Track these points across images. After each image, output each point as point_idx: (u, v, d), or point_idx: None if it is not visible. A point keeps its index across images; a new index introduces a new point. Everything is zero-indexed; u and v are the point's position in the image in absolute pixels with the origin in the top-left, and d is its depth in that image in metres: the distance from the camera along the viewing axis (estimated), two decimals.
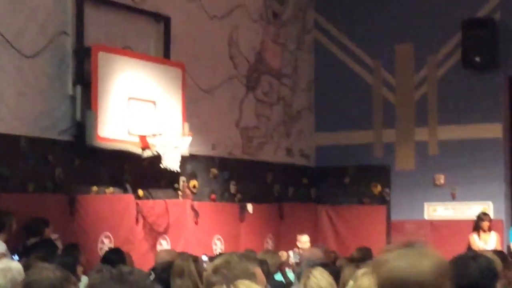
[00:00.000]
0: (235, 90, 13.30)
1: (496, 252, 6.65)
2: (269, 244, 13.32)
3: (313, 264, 5.77)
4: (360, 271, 3.41)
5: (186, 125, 11.43)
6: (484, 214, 12.15)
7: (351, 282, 3.38)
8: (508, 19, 13.60)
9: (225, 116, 13.06)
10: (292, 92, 14.68)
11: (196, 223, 12.04)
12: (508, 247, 11.83)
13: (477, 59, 13.43)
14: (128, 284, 2.28)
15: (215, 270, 3.53)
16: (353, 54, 14.80)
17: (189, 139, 11.27)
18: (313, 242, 12.29)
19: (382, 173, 14.41)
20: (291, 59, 14.71)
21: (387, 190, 14.39)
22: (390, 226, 14.18)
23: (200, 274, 5.47)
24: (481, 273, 3.68)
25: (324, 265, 5.54)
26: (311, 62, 15.11)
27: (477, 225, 11.88)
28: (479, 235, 11.81)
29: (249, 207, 13.04)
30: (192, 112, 11.90)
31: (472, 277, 3.66)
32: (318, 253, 7.49)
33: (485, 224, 11.84)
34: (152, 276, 5.80)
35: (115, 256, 7.96)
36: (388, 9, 14.48)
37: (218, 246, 12.28)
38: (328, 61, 14.94)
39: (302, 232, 12.04)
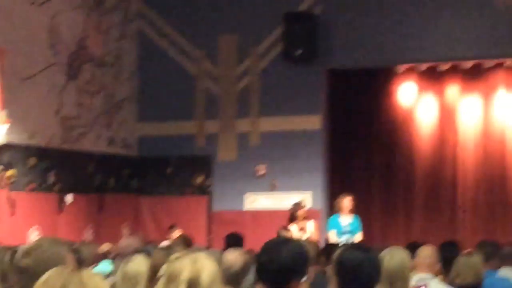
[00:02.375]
0: (55, 78, 12.95)
1: (310, 240, 6.80)
2: (89, 235, 13.09)
3: (130, 252, 5.72)
4: (174, 256, 3.36)
5: (3, 112, 11.05)
6: (298, 203, 12.32)
7: (164, 266, 3.33)
8: (328, 13, 13.93)
9: (44, 104, 12.70)
10: (115, 81, 14.46)
11: (12, 214, 11.66)
12: (326, 236, 12.12)
13: (298, 52, 13.68)
14: None
15: (26, 253, 3.48)
16: (177, 44, 14.76)
17: (6, 127, 10.90)
18: (134, 233, 12.18)
19: (204, 164, 14.45)
20: (114, 48, 14.48)
21: (209, 180, 14.45)
22: (211, 217, 14.25)
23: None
24: (292, 258, 3.73)
25: (141, 252, 5.50)
26: (134, 51, 14.94)
27: (292, 215, 12.09)
28: (296, 224, 12.02)
29: (68, 197, 12.77)
30: (11, 99, 11.50)
31: (283, 261, 3.70)
32: (135, 242, 7.42)
33: (301, 213, 12.07)
34: None
35: None
36: (213, 0, 14.53)
37: (35, 237, 11.94)
38: (152, 50, 14.83)
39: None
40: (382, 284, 4.90)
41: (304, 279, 3.83)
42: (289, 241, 4.05)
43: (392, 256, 5.26)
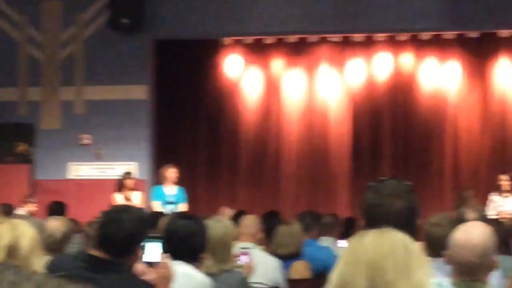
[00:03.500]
0: None
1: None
2: None
3: None
4: None
5: None
6: (128, 173, 12.33)
7: None
8: None
9: None
10: None
11: None
12: (150, 206, 12.11)
13: (124, 21, 13.52)
14: None
15: None
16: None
17: None
18: None
19: (26, 132, 14.08)
20: None
21: (31, 149, 14.10)
22: (33, 185, 13.93)
23: None
24: (136, 224, 3.78)
25: None
26: None
27: (120, 184, 12.03)
28: (123, 194, 11.96)
29: None
30: None
31: (128, 228, 3.75)
32: None
33: (129, 183, 12.03)
34: None
35: None
36: None
37: None
38: None
39: None
40: (206, 252, 4.97)
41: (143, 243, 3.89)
42: (128, 208, 4.07)
43: (216, 225, 5.32)
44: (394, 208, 2.64)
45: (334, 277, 2.00)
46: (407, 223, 2.66)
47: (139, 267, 3.92)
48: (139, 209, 4.12)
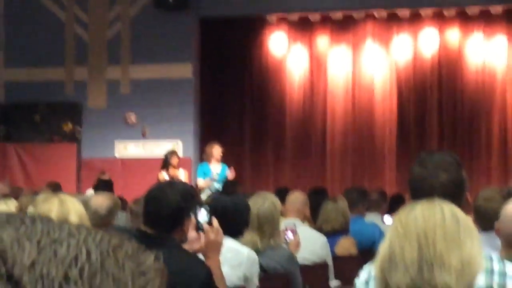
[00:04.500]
0: None
1: None
2: None
3: None
4: (41, 198, 3.32)
5: None
6: (173, 151, 12.37)
7: (31, 208, 3.28)
8: None
9: None
10: None
11: None
12: (195, 183, 12.15)
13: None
14: None
15: None
16: None
17: None
18: (2, 179, 11.91)
19: (73, 111, 14.21)
20: None
21: (78, 128, 14.22)
22: (80, 164, 14.07)
23: None
24: (181, 196, 3.80)
25: (8, 196, 5.42)
26: None
27: (165, 162, 12.08)
28: (168, 172, 12.02)
29: None
30: None
31: (173, 200, 3.77)
32: (3, 188, 7.28)
33: (174, 161, 12.07)
34: None
35: None
36: None
37: None
38: None
39: None
40: (253, 228, 4.99)
41: (192, 215, 3.90)
42: (172, 183, 4.11)
43: (262, 201, 5.33)
44: (440, 180, 2.59)
45: (382, 248, 1.99)
46: (453, 196, 2.60)
47: (191, 234, 3.92)
48: (183, 183, 4.14)
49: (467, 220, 1.95)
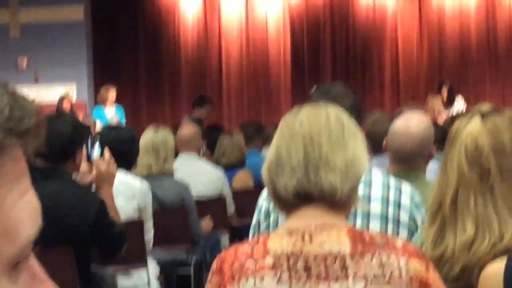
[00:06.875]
0: None
1: None
2: None
3: None
4: None
5: None
6: (63, 97, 12.09)
7: None
8: None
9: None
10: None
11: None
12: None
13: None
14: None
15: None
16: None
17: None
18: None
19: None
20: None
21: None
22: None
23: None
24: (72, 128, 3.77)
25: None
26: None
27: (58, 108, 11.84)
28: None
29: None
30: None
31: (65, 132, 3.73)
32: None
33: (66, 105, 11.85)
34: None
35: None
36: None
37: None
38: None
39: None
40: (148, 153, 5.11)
41: (84, 148, 3.89)
42: (60, 114, 4.05)
43: (155, 130, 5.43)
44: (344, 106, 2.62)
45: (269, 153, 2.01)
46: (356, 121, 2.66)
47: (83, 167, 3.90)
48: (72, 115, 4.09)
49: (352, 123, 1.98)
